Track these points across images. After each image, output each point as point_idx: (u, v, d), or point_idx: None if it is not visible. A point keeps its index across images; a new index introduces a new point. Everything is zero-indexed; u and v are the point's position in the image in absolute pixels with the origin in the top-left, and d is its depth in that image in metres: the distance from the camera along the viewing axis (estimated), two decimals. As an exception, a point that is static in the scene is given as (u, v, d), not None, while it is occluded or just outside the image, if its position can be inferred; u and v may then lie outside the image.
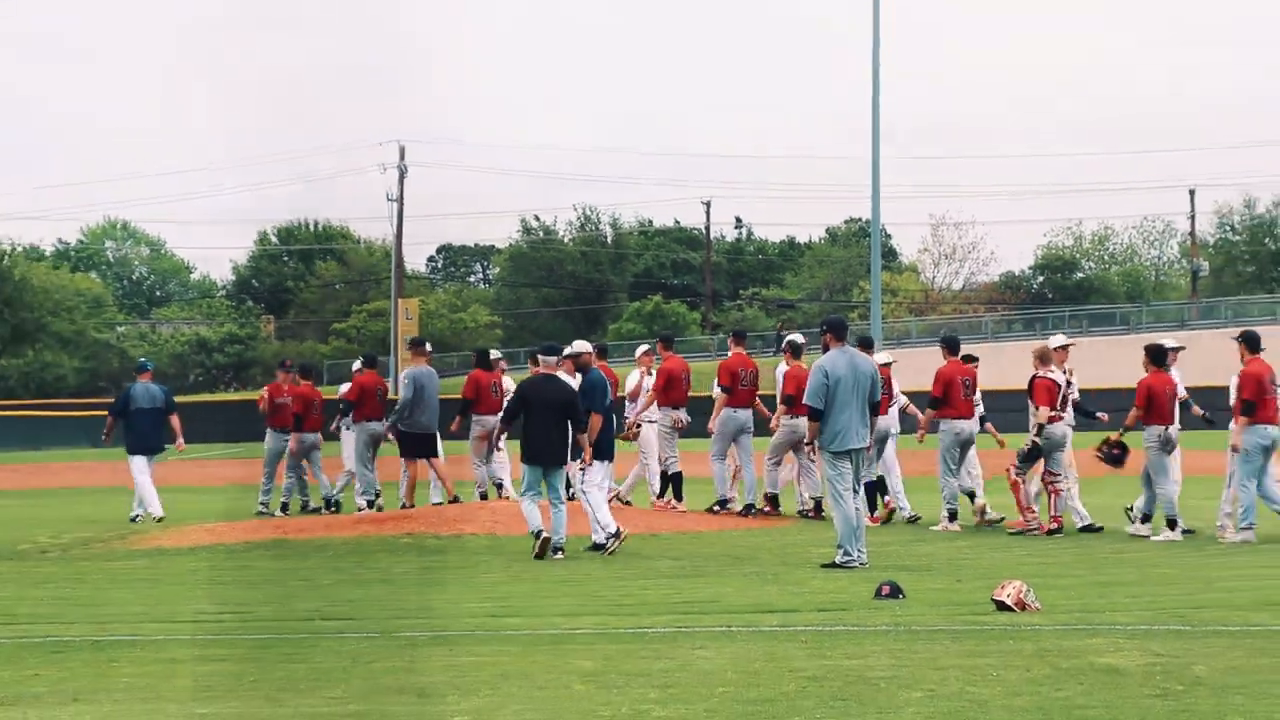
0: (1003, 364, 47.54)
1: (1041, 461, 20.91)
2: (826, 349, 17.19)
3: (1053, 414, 20.84)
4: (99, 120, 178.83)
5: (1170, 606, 13.43)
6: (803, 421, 20.20)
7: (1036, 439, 20.80)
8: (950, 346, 22.03)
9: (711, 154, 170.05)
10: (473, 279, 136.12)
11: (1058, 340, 21.78)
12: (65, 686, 10.35)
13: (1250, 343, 19.75)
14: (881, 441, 21.53)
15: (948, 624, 12.42)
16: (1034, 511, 20.96)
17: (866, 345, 21.28)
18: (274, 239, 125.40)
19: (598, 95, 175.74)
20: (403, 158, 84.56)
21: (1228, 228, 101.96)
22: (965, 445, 21.55)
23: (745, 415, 22.75)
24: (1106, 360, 52.80)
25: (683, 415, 23.42)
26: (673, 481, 23.40)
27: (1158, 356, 20.36)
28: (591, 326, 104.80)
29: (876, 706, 9.22)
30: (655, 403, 23.31)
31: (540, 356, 19.00)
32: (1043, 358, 21.20)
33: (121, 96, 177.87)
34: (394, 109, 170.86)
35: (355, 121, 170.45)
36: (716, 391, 23.02)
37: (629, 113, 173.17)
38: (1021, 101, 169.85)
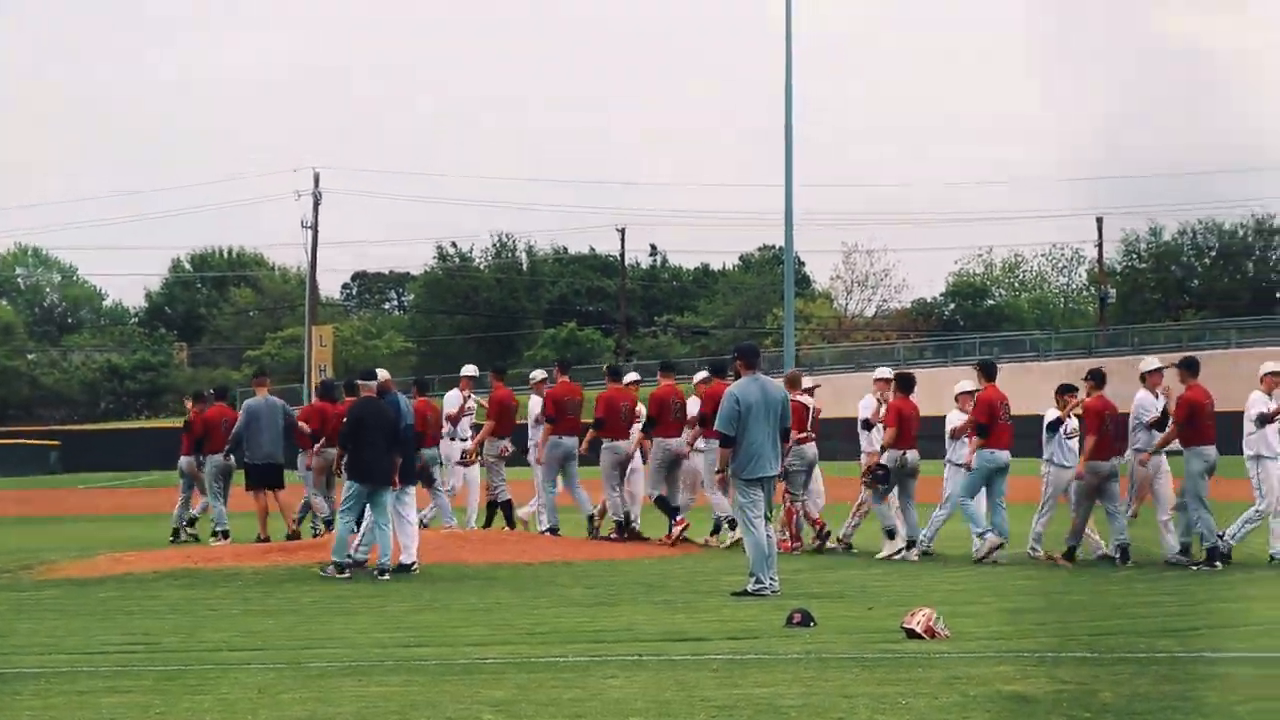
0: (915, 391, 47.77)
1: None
2: (738, 376, 17.24)
3: (802, 435, 21.58)
4: (8, 146, 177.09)
5: (1077, 633, 13.54)
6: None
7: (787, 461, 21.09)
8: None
9: (626, 181, 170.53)
10: (388, 306, 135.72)
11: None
12: (-32, 720, 10.22)
13: (986, 371, 21.41)
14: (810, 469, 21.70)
15: (858, 652, 12.46)
16: (800, 541, 22.09)
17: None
18: (187, 265, 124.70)
19: (513, 122, 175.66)
20: (317, 184, 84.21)
21: (1134, 255, 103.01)
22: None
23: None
24: (1015, 387, 53.18)
25: (507, 444, 23.79)
26: (502, 509, 23.74)
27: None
28: (506, 353, 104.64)
29: (785, 735, 9.24)
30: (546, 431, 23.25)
31: (360, 382, 19.86)
32: (792, 381, 22.02)
33: (33, 120, 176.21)
34: (308, 135, 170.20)
35: (269, 148, 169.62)
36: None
37: (545, 139, 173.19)
38: (929, 128, 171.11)
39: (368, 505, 19.17)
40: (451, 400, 24.36)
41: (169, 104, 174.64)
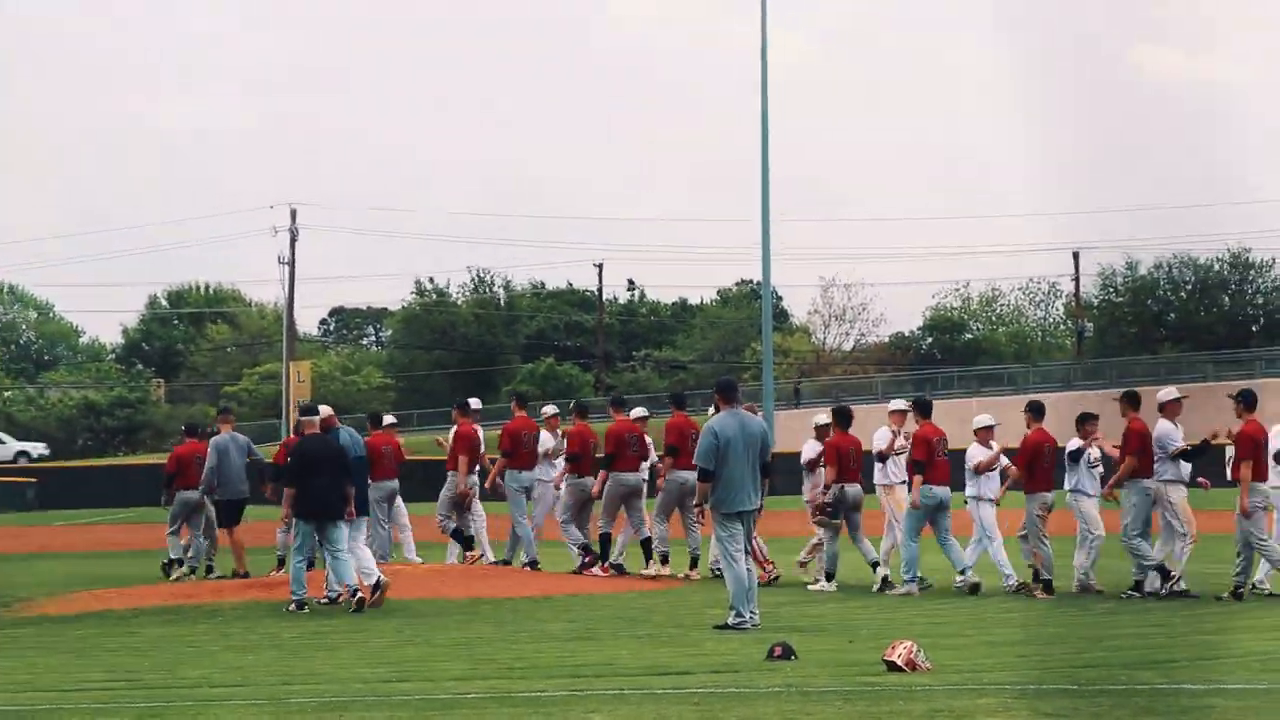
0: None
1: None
2: (717, 409, 17.27)
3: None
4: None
5: (1058, 666, 13.56)
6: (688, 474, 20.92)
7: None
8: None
9: (604, 217, 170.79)
10: (365, 341, 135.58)
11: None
12: (-52, 758, 10.18)
13: (922, 408, 21.63)
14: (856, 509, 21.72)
15: (839, 685, 12.47)
16: (771, 563, 22.43)
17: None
18: (164, 302, 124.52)
19: (490, 157, 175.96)
20: (294, 220, 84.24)
21: (1111, 290, 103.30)
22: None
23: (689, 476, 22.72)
24: (1002, 419, 53.23)
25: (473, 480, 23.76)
26: (454, 537, 23.79)
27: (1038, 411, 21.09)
28: (484, 389, 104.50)
29: (768, 768, 9.24)
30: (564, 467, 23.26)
31: (302, 419, 20.29)
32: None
33: (8, 155, 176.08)
34: (285, 172, 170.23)
35: (246, 185, 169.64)
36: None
37: (522, 175, 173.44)
38: (907, 164, 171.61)
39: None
40: (545, 440, 24.15)
41: (145, 141, 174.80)
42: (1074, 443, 20.54)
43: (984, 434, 21.25)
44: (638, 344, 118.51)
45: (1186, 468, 20.25)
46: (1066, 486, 20.58)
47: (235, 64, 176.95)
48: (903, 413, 22.05)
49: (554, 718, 11.09)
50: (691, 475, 22.25)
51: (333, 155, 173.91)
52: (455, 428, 24.15)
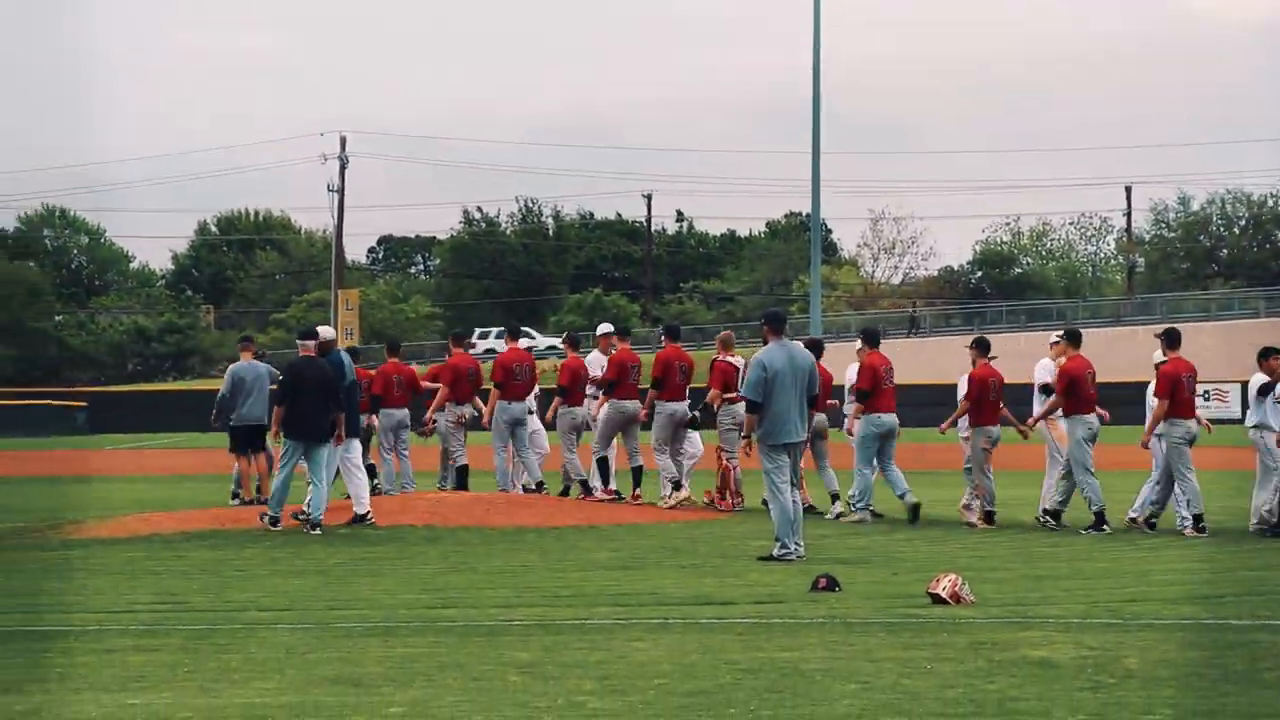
0: (942, 358, 47.79)
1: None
2: (765, 342, 17.24)
3: (729, 395, 21.81)
4: (36, 107, 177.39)
5: (1102, 600, 13.54)
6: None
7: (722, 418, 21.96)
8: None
9: (653, 147, 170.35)
10: (413, 270, 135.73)
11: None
12: (-3, 677, 10.29)
13: (869, 339, 22.01)
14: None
15: (883, 617, 12.48)
16: (740, 497, 22.33)
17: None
18: (214, 228, 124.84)
19: (540, 88, 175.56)
20: (344, 149, 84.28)
21: (1163, 225, 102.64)
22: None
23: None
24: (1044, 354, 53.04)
25: (465, 410, 23.67)
26: (458, 474, 23.65)
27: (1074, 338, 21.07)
28: (532, 318, 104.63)
29: (810, 699, 9.27)
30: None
31: (300, 341, 20.50)
32: (725, 343, 22.66)
33: (61, 82, 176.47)
34: (336, 99, 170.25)
35: (297, 112, 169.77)
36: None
37: (571, 105, 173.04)
38: (962, 98, 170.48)
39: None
40: (595, 361, 23.98)
41: (196, 68, 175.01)
42: (1258, 378, 19.95)
43: (1055, 349, 20.83)
44: (686, 275, 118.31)
45: None
46: (1249, 422, 20.00)
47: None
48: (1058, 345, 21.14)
49: (598, 646, 11.13)
50: (679, 406, 22.42)
51: (383, 84, 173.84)
52: (448, 358, 24.28)
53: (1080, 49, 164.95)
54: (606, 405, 22.58)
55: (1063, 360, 20.48)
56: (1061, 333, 21.32)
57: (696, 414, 22.59)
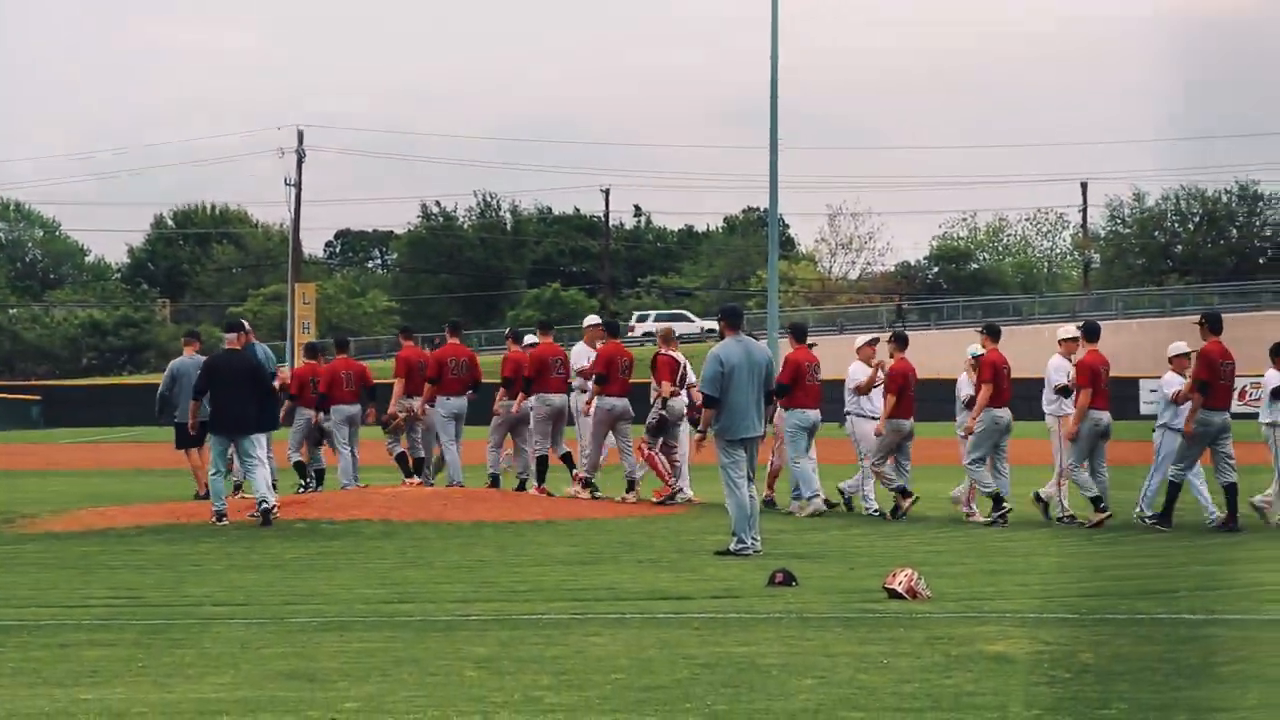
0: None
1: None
2: (722, 336, 17.26)
3: (674, 389, 22.16)
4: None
5: (1058, 595, 13.60)
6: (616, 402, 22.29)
7: (662, 412, 22.18)
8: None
9: (611, 142, 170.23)
10: (371, 264, 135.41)
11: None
12: (-50, 672, 10.22)
13: (796, 333, 22.43)
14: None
15: (839, 611, 12.51)
16: (674, 480, 22.52)
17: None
18: (170, 222, 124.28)
19: (499, 82, 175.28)
20: (301, 142, 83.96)
21: (1118, 221, 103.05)
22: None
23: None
24: (1010, 350, 53.20)
25: (413, 403, 23.65)
26: (398, 462, 23.84)
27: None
28: (490, 313, 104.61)
29: (767, 693, 9.28)
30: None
31: (225, 334, 20.70)
32: (665, 338, 22.86)
33: (18, 72, 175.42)
34: (293, 93, 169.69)
35: (255, 105, 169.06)
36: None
37: (530, 99, 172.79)
38: (916, 94, 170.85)
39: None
40: (579, 354, 24.00)
41: (154, 61, 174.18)
42: (1274, 375, 20.00)
43: (1179, 361, 20.17)
44: (644, 270, 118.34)
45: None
46: (1263, 419, 20.15)
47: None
48: (1074, 340, 20.94)
49: (555, 641, 11.13)
50: (619, 402, 22.48)
51: (341, 78, 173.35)
52: (399, 351, 24.46)
53: (1035, 43, 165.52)
54: (595, 403, 22.61)
55: (1079, 355, 20.38)
56: (1081, 325, 21.04)
57: (663, 413, 22.39)
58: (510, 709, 8.93)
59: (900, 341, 21.93)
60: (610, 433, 22.74)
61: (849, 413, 22.14)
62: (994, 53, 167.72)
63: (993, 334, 21.58)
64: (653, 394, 22.51)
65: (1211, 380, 19.32)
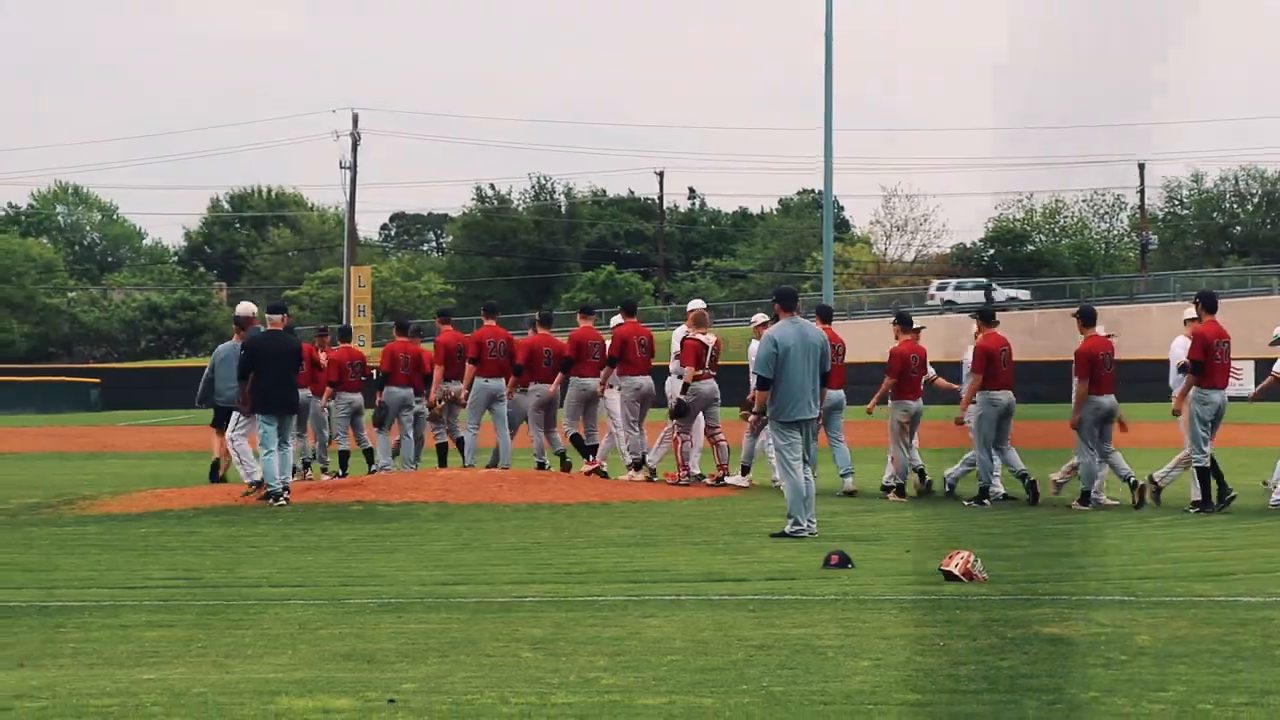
0: (953, 335, 47.72)
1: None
2: (777, 319, 17.26)
3: (699, 373, 22.16)
4: (50, 83, 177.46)
5: (1114, 577, 13.54)
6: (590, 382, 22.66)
7: (682, 396, 22.15)
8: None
9: (666, 124, 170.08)
10: (426, 247, 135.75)
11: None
12: (11, 652, 10.33)
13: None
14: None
15: (895, 594, 12.50)
16: (688, 468, 22.51)
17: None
18: (226, 205, 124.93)
19: (553, 64, 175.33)
20: (356, 125, 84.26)
21: (1176, 202, 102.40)
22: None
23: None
24: (1058, 332, 53.02)
25: (449, 387, 23.72)
26: (439, 451, 24.12)
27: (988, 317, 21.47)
28: (544, 295, 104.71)
29: (823, 675, 9.28)
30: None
31: (268, 315, 20.96)
32: (696, 320, 22.69)
33: (74, 58, 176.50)
34: (349, 76, 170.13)
35: (310, 88, 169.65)
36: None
37: (585, 81, 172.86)
38: (971, 75, 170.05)
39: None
40: (678, 337, 23.89)
41: (209, 46, 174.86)
42: None
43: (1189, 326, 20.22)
44: (698, 253, 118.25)
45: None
46: None
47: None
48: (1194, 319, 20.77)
49: (611, 622, 11.15)
50: (643, 380, 22.51)
51: (396, 60, 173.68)
52: (437, 335, 24.44)
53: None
54: (622, 383, 22.66)
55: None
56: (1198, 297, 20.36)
57: (683, 398, 22.39)
58: (566, 690, 8.96)
59: (904, 323, 21.95)
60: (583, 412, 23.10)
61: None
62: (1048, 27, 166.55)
63: (986, 319, 21.43)
64: (670, 380, 22.67)
65: (1206, 360, 19.30)
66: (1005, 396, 20.47)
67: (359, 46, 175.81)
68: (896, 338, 21.73)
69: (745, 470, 22.57)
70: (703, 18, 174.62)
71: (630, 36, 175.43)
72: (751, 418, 20.30)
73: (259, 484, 20.52)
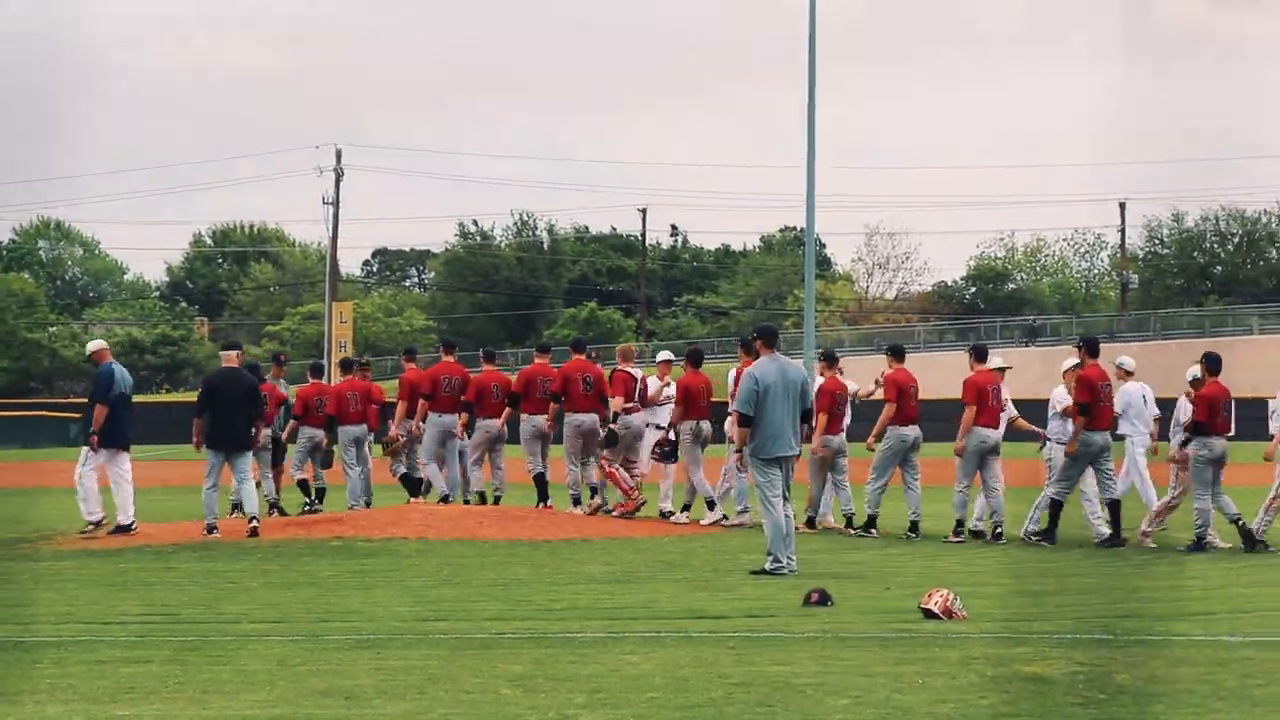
0: (935, 374, 47.80)
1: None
2: (758, 356, 17.29)
3: (628, 405, 22.53)
4: (32, 119, 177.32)
5: (1094, 616, 13.55)
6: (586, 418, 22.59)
7: (613, 426, 22.44)
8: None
9: (648, 162, 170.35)
10: (408, 283, 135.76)
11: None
12: (-12, 687, 10.27)
13: (693, 359, 23.04)
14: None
15: (875, 631, 12.48)
16: (638, 491, 22.93)
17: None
18: (208, 240, 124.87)
19: (537, 101, 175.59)
20: (339, 161, 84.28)
21: (1157, 241, 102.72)
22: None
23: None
24: (1038, 372, 53.18)
25: (415, 424, 23.90)
26: (403, 482, 24.30)
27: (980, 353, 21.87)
28: (526, 332, 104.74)
29: (802, 713, 9.26)
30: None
31: (221, 352, 21.65)
32: (624, 355, 23.41)
33: (58, 93, 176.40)
34: (332, 113, 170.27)
35: (293, 123, 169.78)
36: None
37: (567, 119, 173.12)
38: (951, 114, 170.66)
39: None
40: (652, 386, 24.00)
41: (193, 80, 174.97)
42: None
43: (1068, 375, 20.69)
44: (680, 289, 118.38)
45: None
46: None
47: (280, 7, 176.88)
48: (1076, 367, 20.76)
49: (590, 659, 11.12)
50: (585, 417, 22.52)
51: (378, 97, 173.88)
52: (402, 374, 24.55)
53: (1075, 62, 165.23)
54: (567, 419, 22.89)
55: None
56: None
57: (614, 428, 22.60)
58: (545, 727, 8.92)
59: (897, 354, 22.43)
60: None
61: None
62: (1029, 71, 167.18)
63: (979, 355, 21.72)
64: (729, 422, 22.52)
65: (1092, 402, 19.91)
66: (1101, 438, 20.17)
67: (342, 82, 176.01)
68: (890, 366, 22.04)
69: (711, 505, 22.65)
70: (685, 54, 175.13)
71: (611, 73, 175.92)
72: (735, 455, 20.35)
73: (98, 524, 20.90)
